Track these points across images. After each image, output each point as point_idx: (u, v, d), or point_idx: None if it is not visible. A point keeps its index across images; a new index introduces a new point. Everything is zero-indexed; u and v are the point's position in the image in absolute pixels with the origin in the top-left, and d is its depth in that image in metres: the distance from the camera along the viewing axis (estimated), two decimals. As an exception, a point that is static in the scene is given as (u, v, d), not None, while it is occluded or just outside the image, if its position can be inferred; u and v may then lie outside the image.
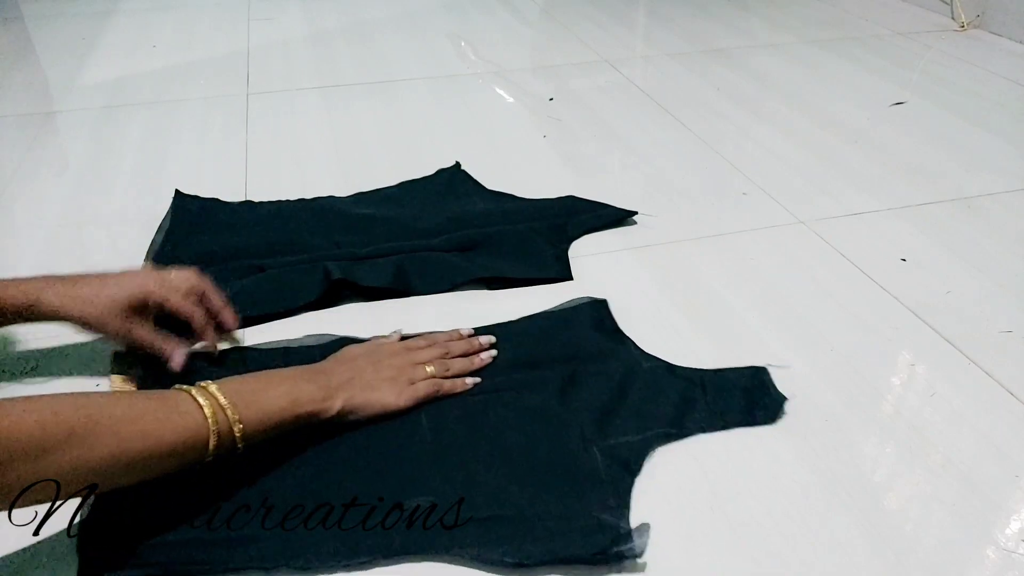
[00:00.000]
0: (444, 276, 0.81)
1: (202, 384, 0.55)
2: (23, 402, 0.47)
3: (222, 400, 0.54)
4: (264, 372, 0.60)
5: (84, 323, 0.62)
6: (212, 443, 0.53)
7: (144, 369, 0.68)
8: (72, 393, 0.50)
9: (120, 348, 0.69)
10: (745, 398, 0.66)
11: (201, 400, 0.53)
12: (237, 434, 0.54)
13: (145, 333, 0.64)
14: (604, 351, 0.71)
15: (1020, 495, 0.58)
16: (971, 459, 0.61)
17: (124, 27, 1.67)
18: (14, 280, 0.62)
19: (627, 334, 0.74)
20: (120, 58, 1.50)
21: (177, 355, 0.66)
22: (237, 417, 0.54)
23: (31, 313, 0.61)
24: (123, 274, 0.65)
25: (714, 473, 0.60)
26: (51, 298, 0.61)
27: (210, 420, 0.52)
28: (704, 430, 0.63)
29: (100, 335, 0.64)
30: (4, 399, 0.47)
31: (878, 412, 0.66)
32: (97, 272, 0.65)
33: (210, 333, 0.69)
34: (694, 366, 0.70)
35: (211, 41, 1.58)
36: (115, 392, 0.51)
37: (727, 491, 0.59)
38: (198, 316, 0.67)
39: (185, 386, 0.54)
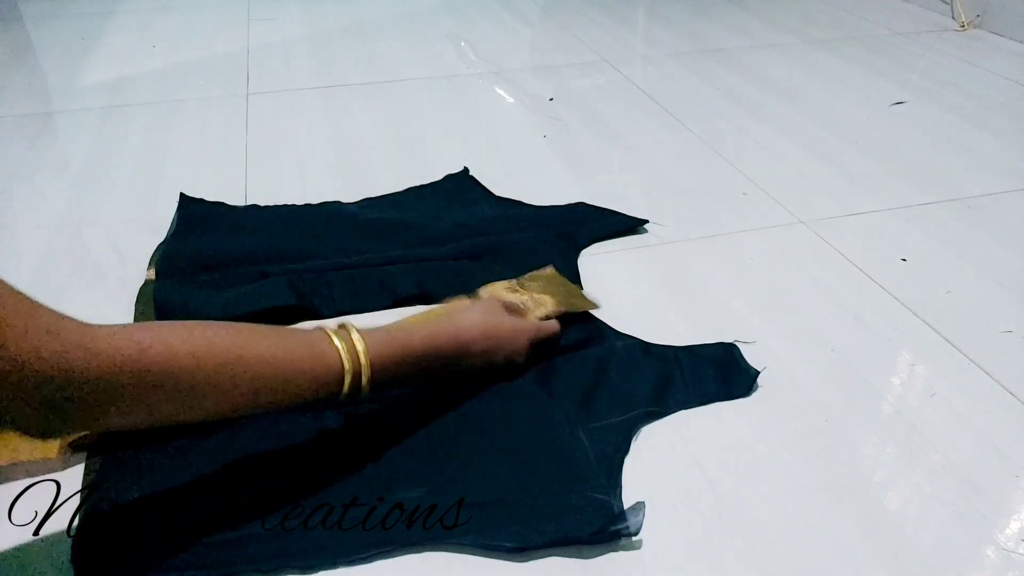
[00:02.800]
0: (466, 286, 0.79)
1: (346, 327, 0.56)
2: (178, 330, 0.47)
3: (360, 349, 0.55)
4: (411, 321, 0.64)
5: None
6: (345, 389, 0.54)
7: (158, 313, 0.75)
8: (223, 325, 0.50)
9: (148, 286, 0.79)
10: (719, 373, 0.69)
11: (341, 349, 0.54)
12: (364, 383, 0.55)
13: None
14: (579, 334, 0.72)
15: (1020, 495, 0.58)
16: (971, 459, 0.61)
17: (124, 27, 1.67)
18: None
19: (627, 333, 0.74)
20: (120, 58, 1.50)
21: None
22: (369, 371, 0.55)
23: None
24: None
25: (709, 465, 0.60)
26: None
27: (347, 374, 0.54)
28: (684, 406, 0.66)
29: None
30: (157, 324, 0.47)
31: (878, 412, 0.66)
32: None
33: None
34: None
35: (211, 41, 1.58)
36: (263, 329, 0.53)
37: (726, 488, 0.59)
38: None
39: (330, 329, 0.55)
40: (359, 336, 0.56)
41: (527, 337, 0.67)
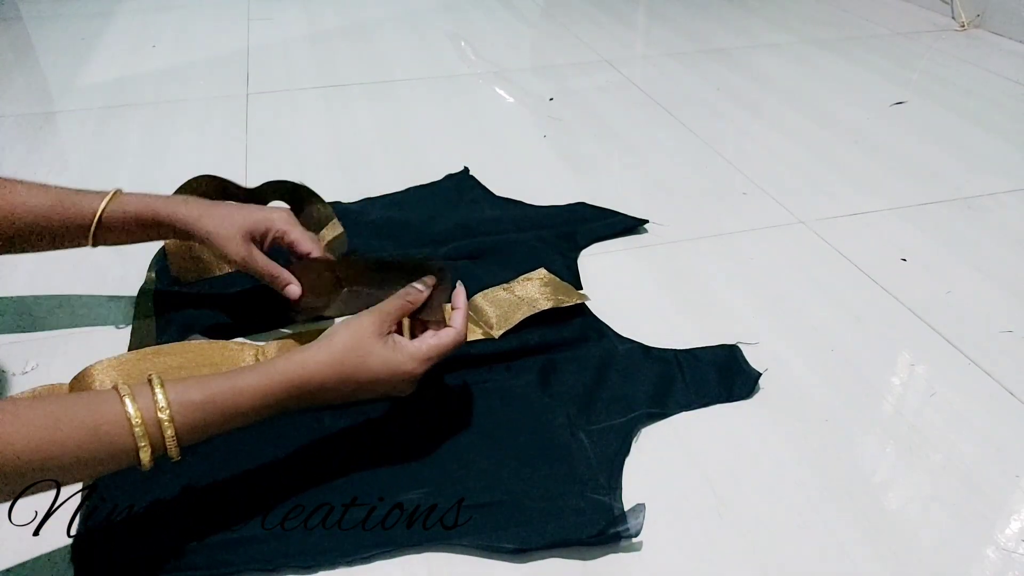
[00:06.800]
0: (467, 287, 0.79)
1: (150, 384, 0.48)
2: None
3: (163, 417, 0.47)
4: (238, 379, 0.51)
5: (210, 239, 0.66)
6: (145, 460, 0.47)
7: (158, 314, 0.74)
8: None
9: (149, 287, 0.79)
10: (720, 375, 0.69)
11: (135, 421, 0.46)
12: (172, 451, 0.48)
13: (263, 260, 0.67)
14: (579, 336, 0.73)
15: (1020, 495, 0.58)
16: (971, 459, 0.61)
17: (124, 27, 1.67)
18: (140, 195, 0.68)
19: (627, 332, 0.74)
20: (120, 58, 1.50)
21: (293, 286, 0.67)
22: (175, 440, 0.48)
23: (161, 225, 0.67)
24: (251, 206, 0.69)
25: (709, 465, 0.60)
26: (190, 211, 0.66)
27: (141, 444, 0.46)
28: (685, 408, 0.66)
29: (220, 252, 0.66)
30: None
31: (878, 412, 0.66)
32: (225, 202, 0.70)
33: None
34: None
35: (211, 41, 1.58)
36: (36, 401, 0.45)
37: (725, 488, 0.59)
38: (314, 251, 0.69)
39: (126, 394, 0.47)
40: (163, 396, 0.47)
41: (407, 370, 0.56)
